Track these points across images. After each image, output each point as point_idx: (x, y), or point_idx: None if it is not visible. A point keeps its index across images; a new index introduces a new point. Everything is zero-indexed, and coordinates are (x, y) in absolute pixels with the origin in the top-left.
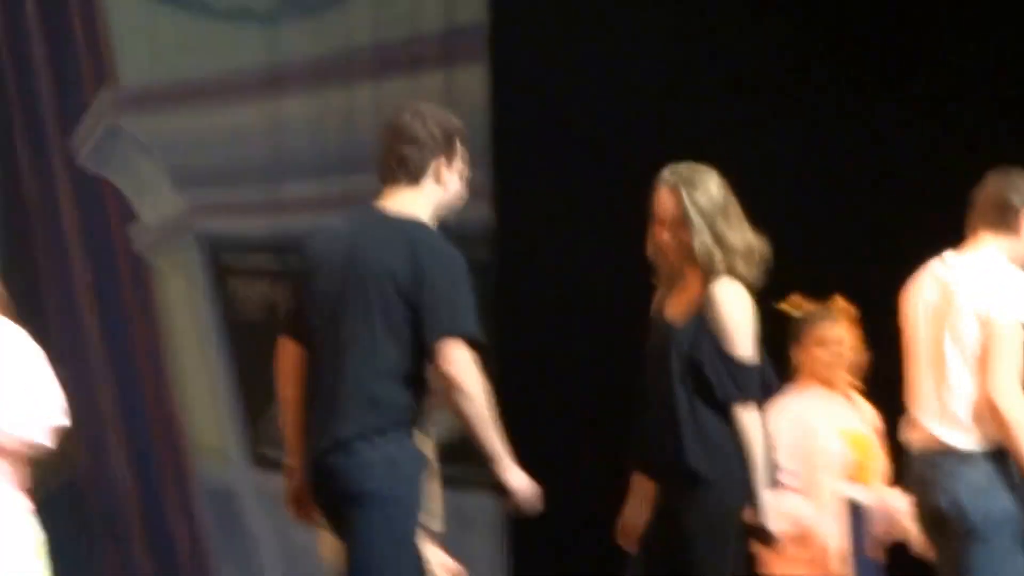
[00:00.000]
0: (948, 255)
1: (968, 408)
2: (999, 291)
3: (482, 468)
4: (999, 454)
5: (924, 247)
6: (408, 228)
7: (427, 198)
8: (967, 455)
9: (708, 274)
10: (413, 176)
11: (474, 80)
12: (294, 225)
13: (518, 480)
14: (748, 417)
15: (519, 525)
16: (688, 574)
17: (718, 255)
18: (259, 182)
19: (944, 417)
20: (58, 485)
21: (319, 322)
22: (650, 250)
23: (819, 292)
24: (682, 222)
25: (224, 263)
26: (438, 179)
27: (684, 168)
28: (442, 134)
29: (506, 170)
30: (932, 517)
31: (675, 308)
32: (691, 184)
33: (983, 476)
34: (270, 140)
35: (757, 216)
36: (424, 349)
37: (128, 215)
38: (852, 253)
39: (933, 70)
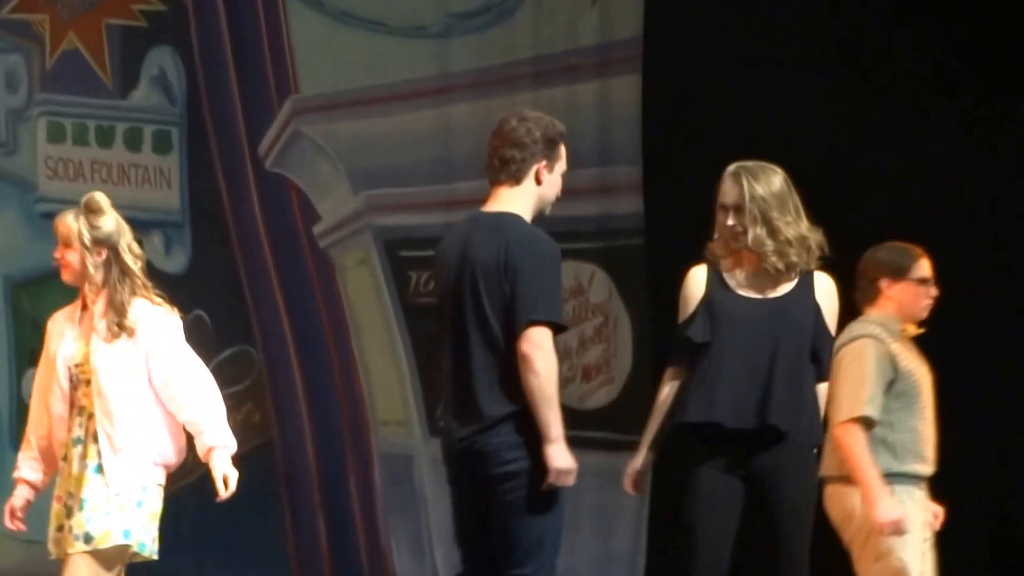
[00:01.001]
0: None
1: None
2: None
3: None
4: None
5: None
6: (501, 220)
7: (526, 196)
8: None
9: (766, 261)
10: (515, 178)
11: (628, 89)
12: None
13: (559, 457)
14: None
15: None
16: (795, 535)
17: (770, 244)
18: (429, 182)
19: None
20: (252, 447)
21: (447, 314)
22: (715, 236)
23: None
24: (740, 209)
25: (400, 255)
26: (538, 180)
27: (751, 163)
28: (543, 138)
29: (656, 169)
30: None
31: (749, 286)
32: (753, 176)
33: None
34: (440, 143)
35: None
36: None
37: (312, 215)
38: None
39: None
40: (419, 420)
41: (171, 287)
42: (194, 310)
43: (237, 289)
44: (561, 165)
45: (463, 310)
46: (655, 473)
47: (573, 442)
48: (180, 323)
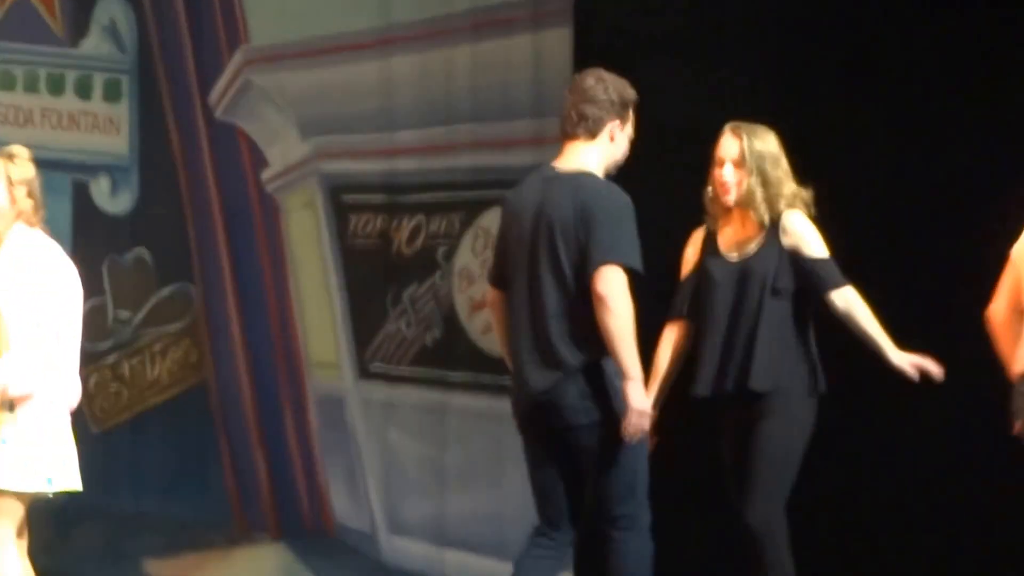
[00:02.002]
0: None
1: None
2: None
3: None
4: None
5: None
6: (578, 178)
7: (599, 153)
8: None
9: (755, 211)
10: (591, 132)
11: (560, 42)
12: (402, 167)
13: (636, 397)
14: (850, 294)
15: None
16: (764, 472)
17: (760, 194)
18: (372, 130)
19: None
20: (191, 385)
21: (518, 269)
22: (708, 191)
23: None
24: (740, 163)
25: (342, 200)
26: (611, 138)
27: (746, 123)
28: (619, 99)
29: None
30: None
31: (731, 246)
32: (752, 133)
33: None
34: (383, 94)
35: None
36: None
37: (260, 161)
38: None
39: None
40: (351, 363)
41: (115, 227)
42: (136, 248)
43: (181, 230)
44: (630, 129)
45: (538, 264)
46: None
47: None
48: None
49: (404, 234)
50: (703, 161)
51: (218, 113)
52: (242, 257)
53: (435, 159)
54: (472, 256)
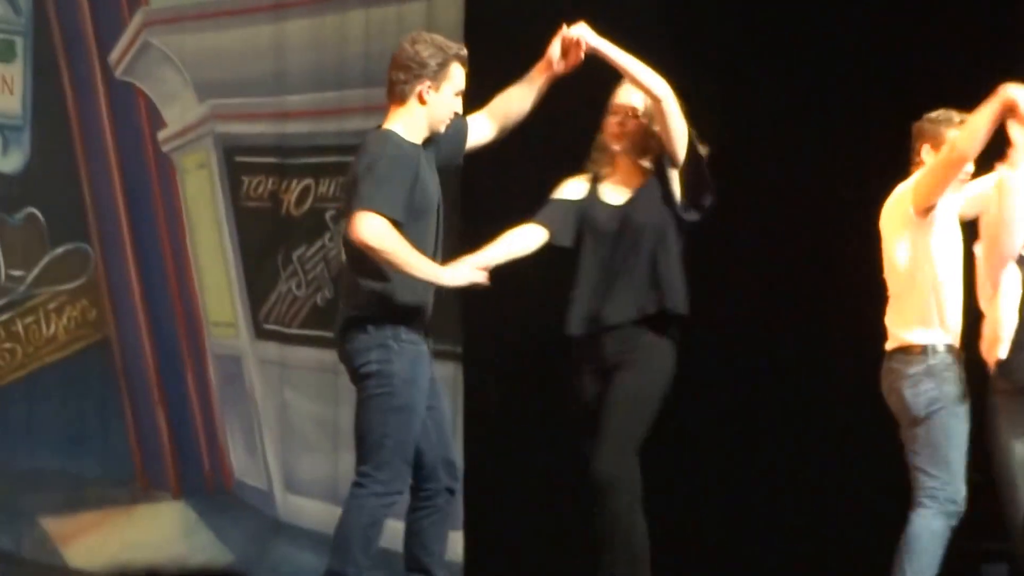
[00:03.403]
0: None
1: None
2: None
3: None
4: None
5: None
6: (366, 138)
7: (408, 115)
8: None
9: (650, 156)
10: (398, 97)
11: (451, 8)
12: (295, 129)
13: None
14: None
15: None
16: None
17: (655, 142)
18: (266, 93)
19: None
20: (89, 344)
21: None
22: (599, 141)
23: None
24: (636, 114)
25: (236, 161)
26: (421, 100)
27: None
28: (429, 61)
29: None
30: None
31: (617, 193)
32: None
33: None
34: (276, 57)
35: None
36: None
37: (158, 122)
38: None
39: None
40: (246, 323)
41: (6, 186)
42: (27, 208)
43: (75, 189)
44: (451, 86)
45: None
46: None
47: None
48: None
49: (293, 196)
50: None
51: (118, 73)
52: (140, 217)
53: (326, 123)
54: None
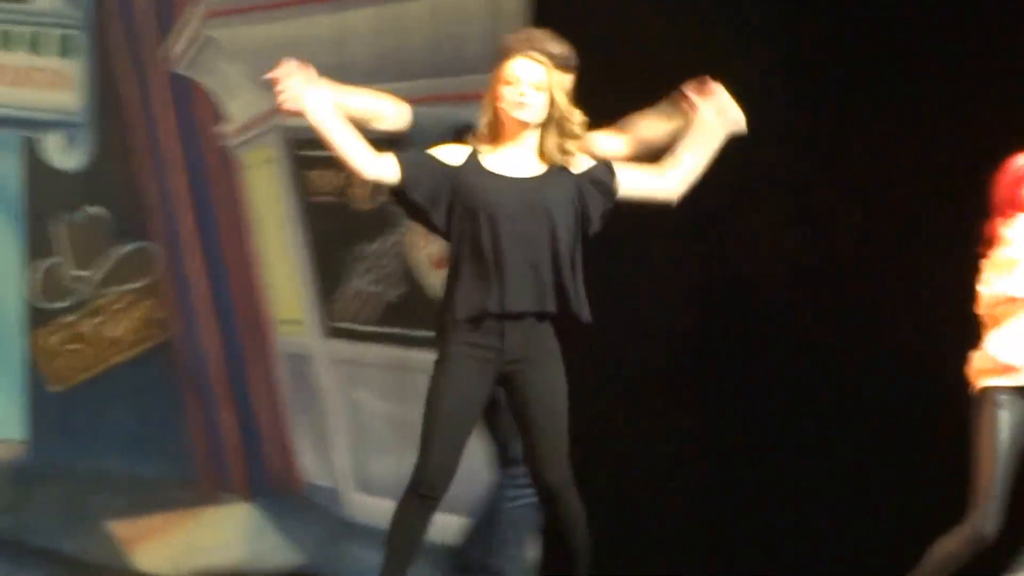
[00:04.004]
0: None
1: None
2: None
3: None
4: None
5: None
6: None
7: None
8: None
9: (567, 137)
10: None
11: None
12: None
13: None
14: None
15: None
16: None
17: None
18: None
19: None
20: (155, 344)
21: None
22: (491, 111)
23: None
24: (545, 87)
25: (301, 155)
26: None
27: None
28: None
29: None
30: None
31: (512, 166)
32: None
33: None
34: (338, 48)
35: None
36: None
37: (219, 117)
38: None
39: None
40: (316, 321)
41: (68, 184)
42: (92, 206)
43: (139, 187)
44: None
45: None
46: None
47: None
48: None
49: (364, 189)
50: None
51: (178, 68)
52: (204, 214)
53: None
54: None
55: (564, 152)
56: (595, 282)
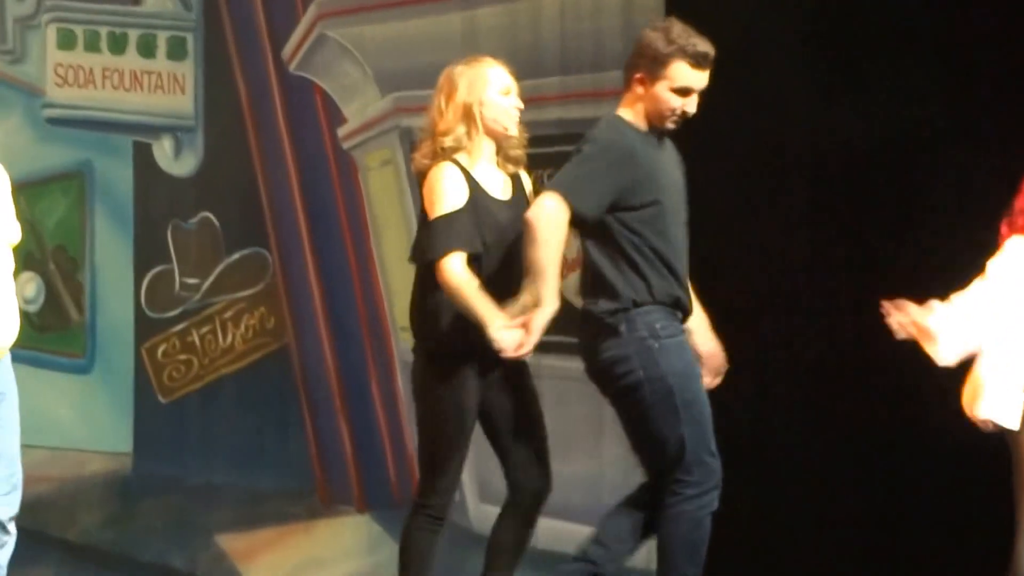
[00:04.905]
0: None
1: None
2: None
3: None
4: None
5: None
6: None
7: (633, 104)
8: None
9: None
10: (625, 83)
11: None
12: None
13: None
14: None
15: None
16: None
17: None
18: None
19: None
20: (268, 352)
21: None
22: (496, 121)
23: None
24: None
25: None
26: (636, 91)
27: None
28: (650, 51)
29: None
30: None
31: (498, 187)
32: None
33: None
34: (466, 46)
35: None
36: None
37: (337, 118)
38: None
39: None
40: None
41: (179, 190)
42: (201, 212)
43: (250, 192)
44: (669, 82)
45: None
46: None
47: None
48: None
49: None
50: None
51: (292, 67)
52: (320, 219)
53: (524, 112)
54: None
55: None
56: None
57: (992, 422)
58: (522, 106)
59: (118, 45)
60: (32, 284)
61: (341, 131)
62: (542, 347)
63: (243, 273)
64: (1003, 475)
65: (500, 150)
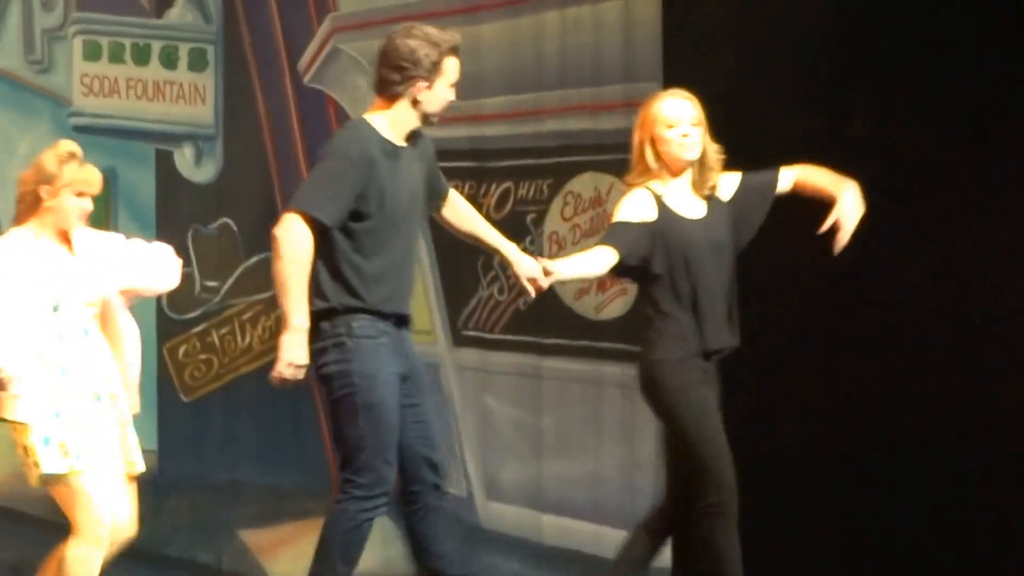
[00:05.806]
0: None
1: None
2: None
3: None
4: None
5: None
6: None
7: (397, 112)
8: None
9: (711, 169)
10: (389, 95)
11: (649, 5)
12: (490, 133)
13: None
14: None
15: None
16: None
17: (715, 158)
18: (462, 97)
19: None
20: None
21: None
22: (652, 152)
23: None
24: (699, 124)
25: None
26: (414, 100)
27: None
28: (428, 59)
29: (670, 84)
30: None
31: (687, 206)
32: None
33: None
34: (470, 61)
35: None
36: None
37: None
38: None
39: None
40: (444, 329)
41: (199, 196)
42: (221, 218)
43: (268, 199)
44: (446, 79)
45: None
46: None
47: (589, 352)
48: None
49: (492, 200)
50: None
51: (306, 79)
52: None
53: (523, 124)
54: (561, 221)
55: (709, 183)
56: None
57: None
58: (688, 135)
59: (142, 56)
60: None
61: None
62: (542, 349)
63: (260, 276)
64: (1003, 475)
65: (696, 173)
